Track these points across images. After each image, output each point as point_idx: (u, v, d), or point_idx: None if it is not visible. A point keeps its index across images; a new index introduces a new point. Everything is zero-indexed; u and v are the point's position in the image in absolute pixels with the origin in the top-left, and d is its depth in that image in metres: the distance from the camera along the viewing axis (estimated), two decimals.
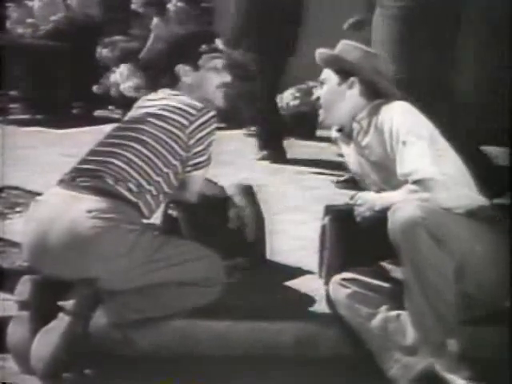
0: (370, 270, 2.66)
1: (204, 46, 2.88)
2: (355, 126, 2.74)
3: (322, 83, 2.84)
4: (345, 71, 2.78)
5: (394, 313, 2.55)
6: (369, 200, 2.65)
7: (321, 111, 2.83)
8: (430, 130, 2.65)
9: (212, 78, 2.87)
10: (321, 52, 2.84)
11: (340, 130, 2.85)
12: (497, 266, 2.52)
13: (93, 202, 2.53)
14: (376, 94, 2.76)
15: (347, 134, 2.80)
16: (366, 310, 2.58)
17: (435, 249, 2.42)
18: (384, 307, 2.57)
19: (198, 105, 2.74)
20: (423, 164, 2.52)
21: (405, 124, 2.60)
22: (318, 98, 2.84)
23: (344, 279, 2.65)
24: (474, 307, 2.55)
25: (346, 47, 2.82)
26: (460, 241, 2.47)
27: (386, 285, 2.61)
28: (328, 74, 2.83)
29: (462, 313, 2.48)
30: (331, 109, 2.80)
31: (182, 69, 2.85)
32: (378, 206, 2.59)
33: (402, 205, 2.46)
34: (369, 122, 2.71)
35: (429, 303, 2.43)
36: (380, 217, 2.53)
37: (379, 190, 2.70)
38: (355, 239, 2.69)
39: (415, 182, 2.52)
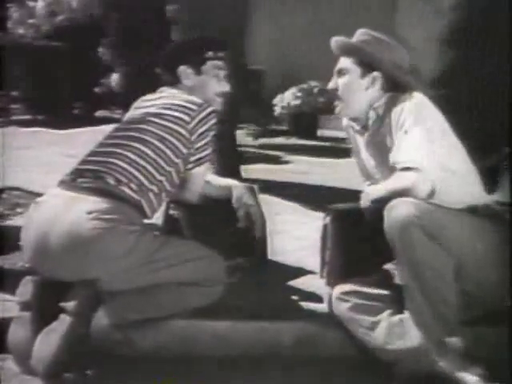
0: (370, 278, 2.63)
1: (210, 53, 2.89)
2: (371, 114, 2.72)
3: (339, 73, 2.78)
4: (366, 63, 2.73)
5: (396, 318, 2.54)
6: (368, 191, 2.65)
7: (338, 102, 2.78)
8: (440, 124, 2.64)
9: (213, 84, 2.89)
10: (337, 40, 2.78)
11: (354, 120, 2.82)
12: (498, 265, 2.52)
13: (93, 203, 2.53)
14: (395, 87, 2.73)
15: (362, 124, 2.78)
16: (368, 319, 2.57)
17: (432, 248, 2.41)
18: (386, 313, 2.56)
19: (198, 100, 2.75)
20: (415, 155, 2.50)
21: (413, 114, 2.58)
22: (335, 89, 2.78)
23: (342, 293, 2.64)
24: (474, 306, 2.55)
25: (365, 37, 2.76)
26: (459, 239, 2.47)
27: (385, 292, 2.58)
28: (347, 64, 2.76)
29: (462, 312, 2.48)
30: (350, 100, 2.76)
31: (184, 71, 2.86)
32: (371, 197, 2.58)
33: (398, 203, 2.45)
34: (385, 111, 2.69)
35: (428, 302, 2.43)
36: (380, 208, 2.51)
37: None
38: (357, 239, 2.69)
39: (402, 170, 2.51)
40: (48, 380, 2.46)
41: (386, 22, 6.54)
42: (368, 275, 2.61)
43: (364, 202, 2.61)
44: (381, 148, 2.69)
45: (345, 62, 2.78)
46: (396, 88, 2.73)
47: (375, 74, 2.73)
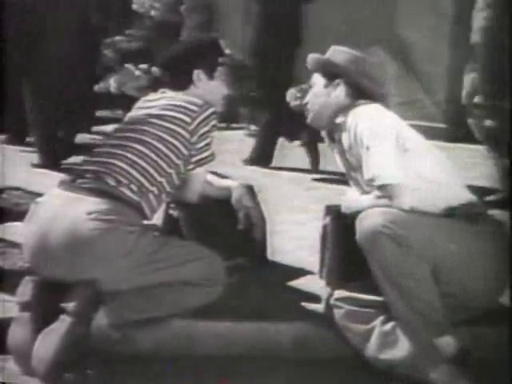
0: (367, 281, 2.62)
1: (221, 59, 2.90)
2: (336, 128, 2.78)
3: (311, 87, 2.90)
4: (332, 74, 2.82)
5: (389, 325, 2.53)
6: (347, 200, 2.73)
7: (308, 113, 2.87)
8: (398, 130, 2.65)
9: (221, 88, 2.91)
10: (311, 57, 2.88)
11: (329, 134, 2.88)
12: (480, 265, 2.52)
13: (93, 203, 2.53)
14: (362, 96, 2.79)
15: (332, 136, 2.82)
16: (362, 327, 2.56)
17: (404, 255, 2.43)
18: (379, 320, 2.55)
19: (199, 102, 2.75)
20: (385, 169, 2.53)
21: (369, 128, 2.62)
22: (307, 103, 2.89)
23: (336, 299, 2.63)
24: (468, 307, 2.55)
25: (335, 51, 2.87)
26: (431, 243, 2.47)
27: (379, 298, 2.56)
28: (315, 78, 2.88)
29: (453, 313, 2.48)
30: (318, 110, 2.84)
31: (198, 74, 2.87)
32: (352, 208, 2.64)
33: (367, 214, 2.49)
34: (346, 123, 2.73)
35: (412, 309, 2.43)
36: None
37: (363, 192, 2.72)
38: (356, 239, 2.69)
39: (379, 188, 2.54)
40: (48, 380, 2.46)
41: (386, 22, 6.56)
42: (367, 276, 2.61)
43: (344, 208, 2.71)
44: (353, 162, 2.73)
45: (314, 77, 2.89)
46: (365, 97, 2.77)
47: (337, 80, 2.81)
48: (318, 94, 2.85)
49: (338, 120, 2.75)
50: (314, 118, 2.86)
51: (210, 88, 2.87)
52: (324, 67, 2.85)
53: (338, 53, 2.85)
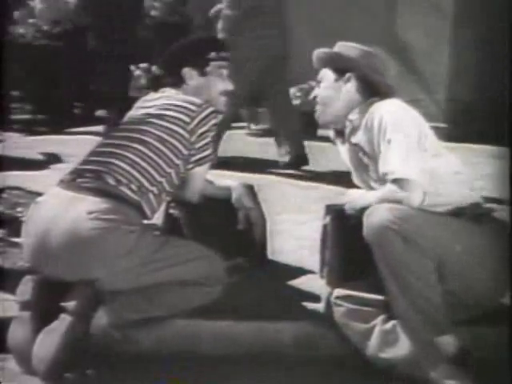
0: (367, 281, 2.62)
1: (213, 54, 2.89)
2: (347, 124, 2.75)
3: (319, 82, 2.87)
4: (342, 69, 2.80)
5: (389, 324, 2.54)
6: (353, 198, 2.71)
7: (317, 107, 2.85)
8: (420, 127, 2.65)
9: (217, 84, 2.89)
10: (319, 51, 2.85)
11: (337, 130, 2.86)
12: (484, 265, 2.53)
13: (93, 202, 2.53)
14: (372, 92, 2.77)
15: (341, 132, 2.81)
16: (363, 325, 2.56)
17: (410, 251, 2.43)
18: (380, 319, 2.55)
19: (198, 101, 2.75)
20: (403, 164, 2.52)
21: (393, 122, 2.60)
22: (315, 97, 2.86)
23: (337, 297, 2.63)
24: (469, 307, 2.55)
25: (344, 46, 2.84)
26: (437, 241, 2.48)
27: (380, 297, 2.57)
28: (324, 73, 2.85)
29: (455, 312, 2.48)
30: (328, 105, 2.82)
31: (188, 72, 2.87)
32: (359, 205, 2.63)
33: (375, 209, 2.48)
34: (360, 120, 2.71)
35: (414, 306, 2.44)
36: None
37: (372, 189, 2.71)
38: (357, 239, 2.69)
39: (393, 182, 2.53)
40: (48, 380, 2.46)
41: (387, 22, 6.56)
42: (367, 275, 2.61)
43: (348, 207, 2.69)
44: (365, 158, 2.72)
45: (322, 72, 2.86)
46: (375, 93, 2.76)
47: (348, 74, 2.78)
48: (327, 88, 2.82)
49: (352, 116, 2.74)
50: (323, 113, 2.83)
51: (203, 84, 2.87)
52: (334, 61, 2.82)
53: (346, 47, 2.83)
